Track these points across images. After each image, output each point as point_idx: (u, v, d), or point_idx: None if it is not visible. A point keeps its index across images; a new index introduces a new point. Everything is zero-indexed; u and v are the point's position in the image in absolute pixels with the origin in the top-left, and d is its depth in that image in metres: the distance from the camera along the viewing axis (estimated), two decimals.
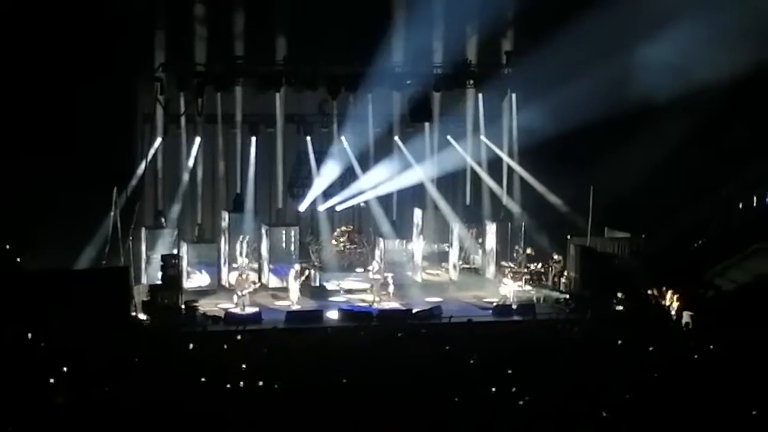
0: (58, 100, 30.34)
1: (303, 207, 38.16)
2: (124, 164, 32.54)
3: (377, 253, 37.84)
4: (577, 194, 36.24)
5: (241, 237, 36.46)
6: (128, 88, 32.11)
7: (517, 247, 39.66)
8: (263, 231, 36.68)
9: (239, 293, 33.38)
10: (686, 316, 31.40)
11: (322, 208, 38.08)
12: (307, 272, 35.93)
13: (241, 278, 34.21)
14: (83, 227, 31.43)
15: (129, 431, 19.17)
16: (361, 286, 36.03)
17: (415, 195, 38.32)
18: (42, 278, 28.96)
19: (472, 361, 25.24)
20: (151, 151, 34.22)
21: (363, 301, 34.91)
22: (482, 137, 38.44)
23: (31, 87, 30.22)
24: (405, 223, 38.46)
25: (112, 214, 31.83)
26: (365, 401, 21.11)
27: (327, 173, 37.90)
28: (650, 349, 26.93)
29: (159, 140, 34.54)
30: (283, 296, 35.11)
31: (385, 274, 35.89)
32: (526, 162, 37.86)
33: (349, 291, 36.16)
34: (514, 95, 35.76)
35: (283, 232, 37.46)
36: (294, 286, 34.54)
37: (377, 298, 34.55)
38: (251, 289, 33.74)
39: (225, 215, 36.60)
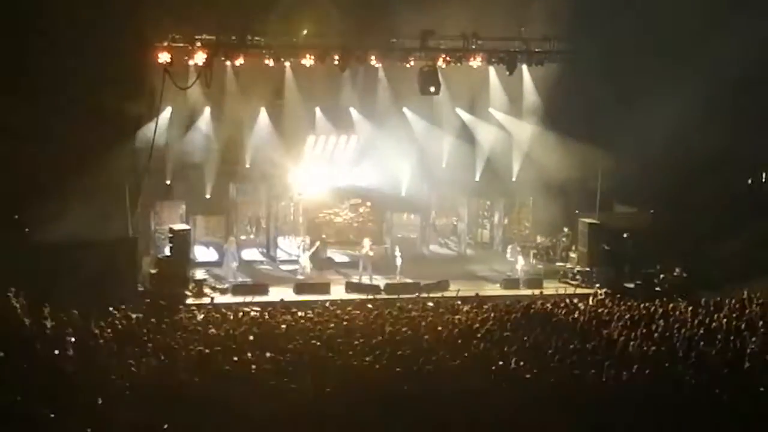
0: (64, 72, 30.10)
1: (312, 180, 38.03)
2: (132, 136, 32.35)
3: (384, 226, 37.89)
4: (586, 169, 36.12)
5: (246, 208, 36.74)
6: (136, 59, 31.85)
7: (526, 223, 39.79)
8: (271, 203, 36.78)
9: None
10: None
11: (331, 180, 38.01)
12: (317, 243, 35.97)
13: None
14: (91, 199, 31.31)
15: (136, 402, 19.24)
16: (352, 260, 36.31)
17: (424, 168, 38.10)
18: (50, 249, 28.99)
19: (479, 335, 25.30)
20: (159, 124, 33.99)
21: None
22: (491, 110, 38.22)
23: (35, 56, 29.98)
24: (414, 196, 38.34)
25: (121, 186, 31.73)
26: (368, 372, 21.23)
27: (336, 146, 37.86)
28: (660, 322, 26.98)
29: (168, 111, 34.36)
30: (292, 268, 35.32)
31: (394, 248, 36.06)
32: (537, 136, 37.54)
33: (344, 264, 36.49)
34: (525, 67, 35.43)
35: (291, 204, 37.54)
36: (305, 259, 34.59)
37: (366, 275, 34.64)
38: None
39: (233, 187, 36.61)
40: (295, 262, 35.89)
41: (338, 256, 37.20)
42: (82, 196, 29.92)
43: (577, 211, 37.36)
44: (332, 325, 26.07)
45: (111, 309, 26.33)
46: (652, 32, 33.20)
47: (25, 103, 29.38)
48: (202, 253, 36.10)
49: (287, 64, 34.52)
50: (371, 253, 34.96)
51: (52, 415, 17.24)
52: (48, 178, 29.98)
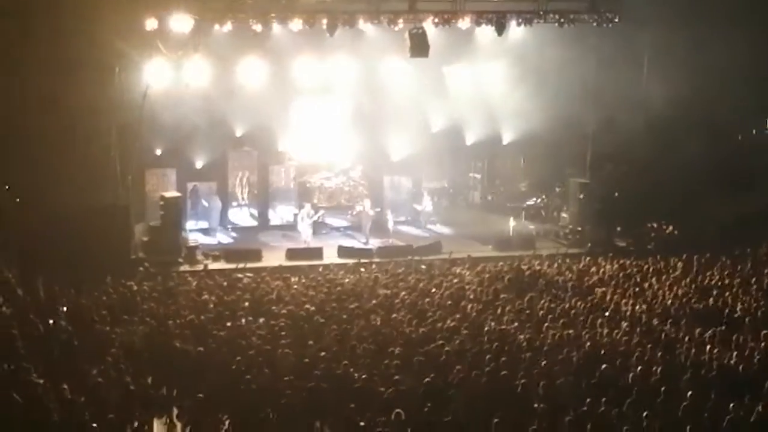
0: (52, 42, 29.87)
1: (303, 144, 37.78)
2: (121, 104, 32.10)
3: (377, 190, 37.85)
4: (577, 129, 36.05)
5: (240, 174, 36.77)
6: (125, 28, 31.53)
7: (522, 185, 39.91)
8: (263, 168, 36.78)
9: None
10: None
11: (321, 145, 37.83)
12: (321, 212, 36.00)
13: None
14: (82, 167, 31.11)
15: (131, 369, 19.32)
16: (353, 224, 36.65)
17: (414, 131, 37.82)
18: (42, 218, 28.96)
19: (472, 297, 25.39)
20: (149, 91, 33.61)
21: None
22: (480, 69, 37.86)
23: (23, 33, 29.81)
24: (405, 160, 38.17)
25: (112, 153, 31.62)
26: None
27: (327, 109, 37.66)
28: (652, 280, 27.12)
29: (157, 78, 33.95)
30: (290, 234, 35.39)
31: (385, 211, 36.15)
32: (527, 96, 37.20)
33: (342, 229, 36.68)
34: (513, 23, 34.98)
35: (283, 170, 37.50)
36: (305, 227, 34.53)
37: (368, 238, 34.83)
38: None
39: (224, 153, 36.49)
40: (288, 227, 36.00)
41: (335, 220, 37.18)
42: (73, 164, 29.85)
43: (568, 171, 37.38)
44: (325, 290, 26.16)
45: (104, 278, 26.39)
46: None
47: (13, 75, 29.30)
48: (195, 218, 35.99)
49: (275, 27, 34.13)
50: (371, 213, 35.15)
51: (41, 381, 17.33)
52: (38, 147, 29.84)
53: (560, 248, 33.83)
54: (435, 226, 37.44)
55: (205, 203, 35.95)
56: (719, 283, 26.62)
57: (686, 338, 21.09)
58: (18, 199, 30.10)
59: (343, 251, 32.92)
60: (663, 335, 21.55)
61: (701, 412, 16.71)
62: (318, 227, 35.54)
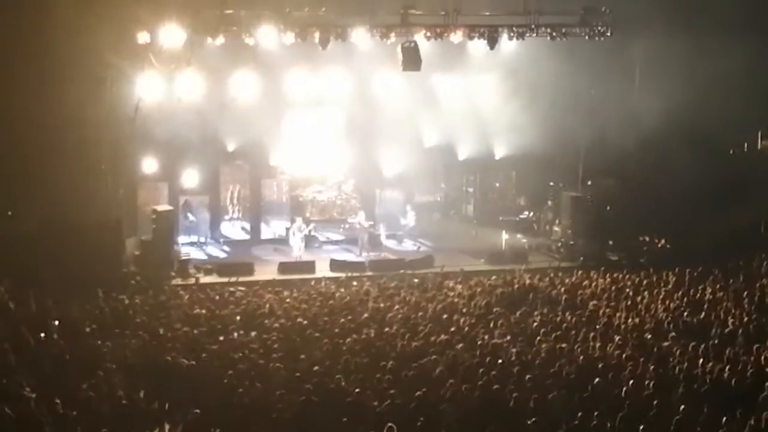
0: (43, 55, 29.84)
1: (295, 158, 37.80)
2: (113, 116, 32.08)
3: (368, 203, 37.83)
4: (569, 143, 36.10)
5: (232, 188, 36.72)
6: (117, 41, 31.51)
7: (512, 197, 39.89)
8: (255, 182, 36.74)
9: None
10: None
11: (313, 158, 37.85)
12: (312, 225, 36.01)
13: None
14: (73, 182, 31.05)
15: (123, 383, 19.25)
16: (347, 237, 36.67)
17: (406, 144, 37.87)
18: (35, 233, 28.89)
19: (465, 310, 25.37)
20: (140, 104, 33.58)
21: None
22: (472, 82, 37.91)
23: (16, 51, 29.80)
24: (397, 173, 38.19)
25: (103, 167, 31.59)
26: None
27: (318, 122, 37.68)
28: (644, 294, 27.11)
29: (148, 91, 33.92)
30: (281, 248, 35.31)
31: (378, 225, 36.15)
32: (519, 110, 37.28)
33: (336, 242, 36.66)
34: (505, 35, 34.90)
35: (275, 184, 37.48)
36: (297, 241, 34.51)
37: (363, 251, 34.81)
38: None
39: (216, 167, 36.46)
40: (280, 241, 36.00)
41: (327, 233, 37.17)
42: (65, 177, 29.80)
43: (560, 184, 37.41)
44: (318, 303, 26.13)
45: (96, 291, 26.32)
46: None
47: (2, 87, 29.23)
48: (187, 231, 35.94)
49: (268, 40, 34.10)
50: (366, 225, 35.17)
51: (33, 395, 17.25)
52: (29, 160, 29.78)
53: (553, 262, 33.88)
54: (415, 240, 37.35)
55: (192, 217, 35.88)
56: (711, 297, 26.62)
57: (678, 352, 21.05)
58: (9, 212, 30.01)
59: (335, 265, 32.90)
60: (655, 349, 21.52)
61: (694, 425, 16.66)
62: (310, 241, 35.52)
